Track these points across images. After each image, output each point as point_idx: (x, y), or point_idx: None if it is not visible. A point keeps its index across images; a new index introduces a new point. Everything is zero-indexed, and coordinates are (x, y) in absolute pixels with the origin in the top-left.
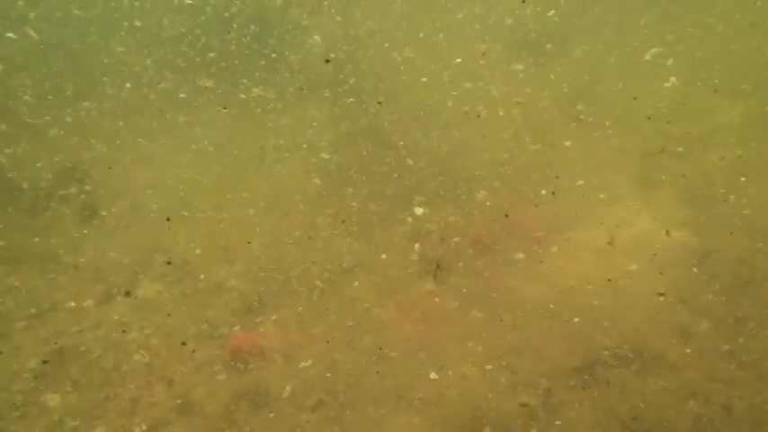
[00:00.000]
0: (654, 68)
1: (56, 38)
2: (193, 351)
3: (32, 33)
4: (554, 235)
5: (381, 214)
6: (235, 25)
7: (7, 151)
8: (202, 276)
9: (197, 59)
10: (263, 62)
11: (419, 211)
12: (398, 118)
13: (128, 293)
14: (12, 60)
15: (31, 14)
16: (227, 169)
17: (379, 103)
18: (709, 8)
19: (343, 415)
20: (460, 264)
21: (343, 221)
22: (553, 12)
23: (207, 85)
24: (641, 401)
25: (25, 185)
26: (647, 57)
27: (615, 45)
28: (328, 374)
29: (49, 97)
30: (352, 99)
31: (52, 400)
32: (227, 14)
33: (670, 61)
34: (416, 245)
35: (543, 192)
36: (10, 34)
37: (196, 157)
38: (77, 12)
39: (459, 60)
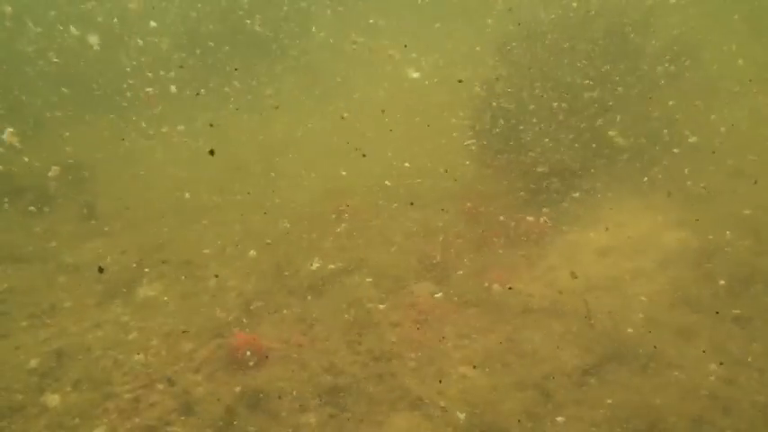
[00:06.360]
0: None
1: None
2: (193, 351)
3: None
4: (554, 235)
5: (383, 215)
6: None
7: (8, 151)
8: (202, 276)
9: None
10: None
11: (418, 211)
12: None
13: (128, 293)
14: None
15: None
16: (227, 170)
17: None
18: None
19: (343, 415)
20: (461, 264)
21: (344, 221)
22: None
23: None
24: (641, 401)
25: (25, 185)
26: None
27: None
28: (328, 374)
29: (52, 99)
30: None
31: (52, 400)
32: None
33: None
34: (417, 245)
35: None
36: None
37: (197, 158)
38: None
39: None
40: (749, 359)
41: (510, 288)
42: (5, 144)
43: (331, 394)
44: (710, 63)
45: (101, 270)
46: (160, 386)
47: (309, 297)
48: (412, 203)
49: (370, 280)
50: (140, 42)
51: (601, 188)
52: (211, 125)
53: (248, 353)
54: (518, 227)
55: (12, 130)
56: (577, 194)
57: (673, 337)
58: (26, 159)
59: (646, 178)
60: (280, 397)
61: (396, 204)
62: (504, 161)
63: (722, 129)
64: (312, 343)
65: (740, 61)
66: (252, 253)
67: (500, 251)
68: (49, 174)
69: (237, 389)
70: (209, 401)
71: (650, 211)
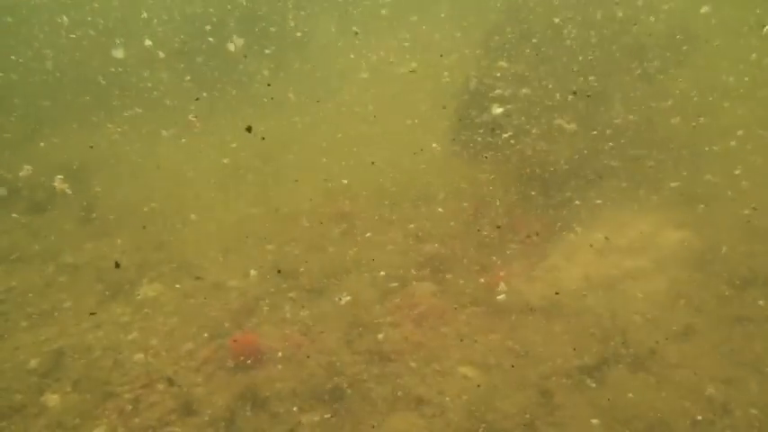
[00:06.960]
0: None
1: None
2: (193, 351)
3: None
4: (554, 235)
5: (382, 215)
6: None
7: (8, 152)
8: (202, 276)
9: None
10: None
11: (419, 211)
12: None
13: (128, 293)
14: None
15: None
16: (227, 170)
17: None
18: None
19: (343, 415)
20: (461, 264)
21: (343, 221)
22: None
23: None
24: (641, 401)
25: (25, 186)
26: None
27: None
28: (328, 374)
29: (52, 99)
30: None
31: (52, 400)
32: None
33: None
34: (418, 245)
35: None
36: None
37: (197, 159)
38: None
39: None
40: (749, 359)
41: (510, 288)
42: (56, 191)
43: (330, 394)
44: (718, 61)
45: (117, 265)
46: (160, 386)
47: (309, 297)
48: (413, 204)
49: (371, 280)
50: (159, 53)
51: (601, 188)
52: (195, 115)
53: (248, 353)
54: (518, 227)
55: (61, 177)
56: (578, 194)
57: (672, 336)
58: (27, 160)
59: (646, 179)
60: (279, 397)
61: (397, 205)
62: (505, 162)
63: (731, 130)
64: (312, 343)
65: (753, 55)
66: (252, 253)
67: (500, 251)
68: (50, 173)
69: (237, 389)
70: (209, 401)
71: (650, 211)
